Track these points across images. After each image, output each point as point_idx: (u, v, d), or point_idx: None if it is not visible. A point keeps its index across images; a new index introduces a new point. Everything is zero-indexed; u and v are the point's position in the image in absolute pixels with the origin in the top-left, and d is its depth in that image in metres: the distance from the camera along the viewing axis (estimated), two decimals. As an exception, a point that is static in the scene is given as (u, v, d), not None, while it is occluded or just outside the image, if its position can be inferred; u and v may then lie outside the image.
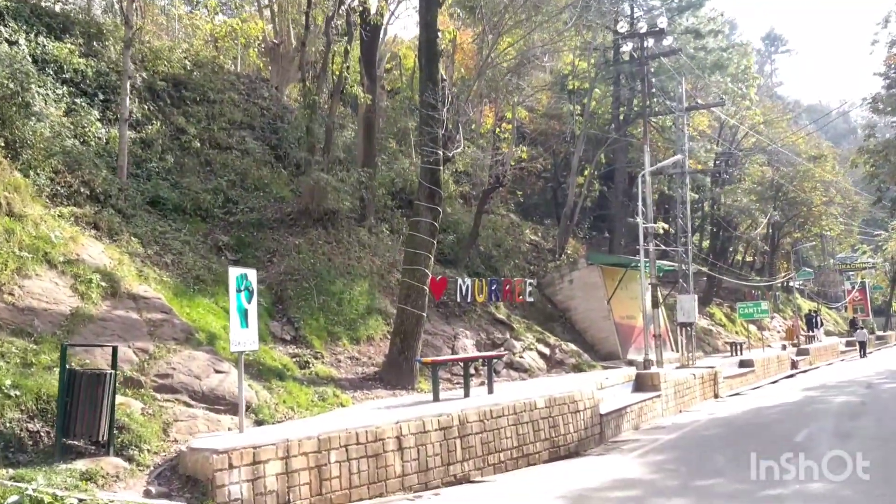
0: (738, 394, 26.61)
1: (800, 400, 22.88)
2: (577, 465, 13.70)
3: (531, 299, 24.11)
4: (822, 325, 49.90)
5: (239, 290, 10.64)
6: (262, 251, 18.90)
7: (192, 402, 11.25)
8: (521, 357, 21.09)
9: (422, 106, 16.20)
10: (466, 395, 14.59)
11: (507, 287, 22.65)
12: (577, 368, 22.14)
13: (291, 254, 18.83)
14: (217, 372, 12.07)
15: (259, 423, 11.68)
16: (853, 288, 62.88)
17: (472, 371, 18.54)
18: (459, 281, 20.83)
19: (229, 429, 10.87)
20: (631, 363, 26.45)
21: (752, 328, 46.21)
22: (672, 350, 29.50)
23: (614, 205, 40.00)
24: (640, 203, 22.22)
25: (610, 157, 40.44)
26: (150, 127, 20.64)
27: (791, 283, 53.71)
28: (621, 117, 37.58)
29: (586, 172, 37.69)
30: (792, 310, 55.52)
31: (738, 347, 34.36)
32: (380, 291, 19.80)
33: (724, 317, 45.99)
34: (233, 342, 10.57)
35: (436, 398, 13.86)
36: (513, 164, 36.98)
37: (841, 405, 20.74)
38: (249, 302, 10.79)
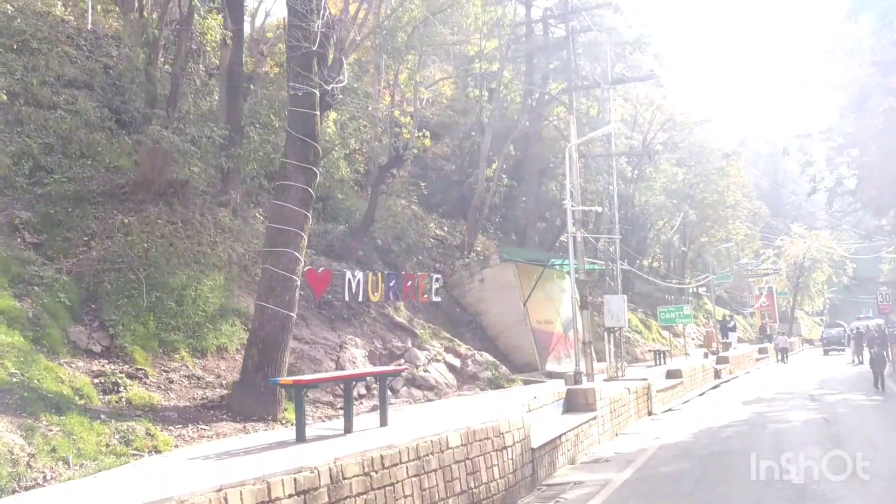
0: (670, 409, 23.18)
1: (749, 418, 19.48)
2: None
3: (438, 299, 19.84)
4: (735, 331, 47.85)
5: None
6: (78, 232, 13.92)
7: None
8: (425, 371, 16.79)
9: (288, 11, 11.60)
10: (348, 429, 10.16)
11: (409, 283, 18.24)
12: (494, 384, 18.01)
13: (116, 235, 13.93)
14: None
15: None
16: (761, 294, 61.57)
17: (362, 391, 14.11)
18: (348, 274, 16.29)
19: None
20: (550, 375, 22.65)
21: (667, 334, 43.54)
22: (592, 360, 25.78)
23: (525, 202, 36.33)
24: (567, 181, 18.35)
25: (519, 152, 36.77)
26: None
27: (700, 289, 51.65)
28: (534, 101, 33.84)
29: (494, 166, 33.87)
30: (704, 316, 53.43)
31: (662, 356, 31.17)
32: (241, 287, 15.14)
33: (639, 323, 43.02)
34: None
35: (300, 437, 9.38)
36: (415, 151, 32.91)
37: (805, 425, 17.39)
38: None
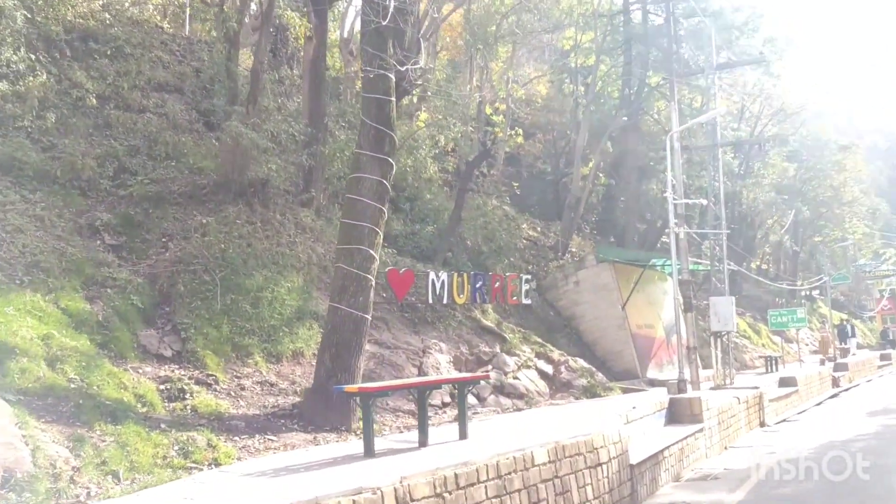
0: (785, 420, 21.31)
1: (879, 431, 17.52)
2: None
3: (528, 301, 18.77)
4: (855, 336, 44.49)
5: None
6: (157, 233, 13.64)
7: None
8: (515, 378, 15.78)
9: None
10: (422, 442, 9.26)
11: (497, 284, 17.25)
12: (590, 392, 16.80)
13: (193, 236, 13.54)
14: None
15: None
16: (882, 296, 57.32)
17: (446, 399, 13.25)
18: (432, 275, 15.45)
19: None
20: (652, 383, 21.23)
21: (778, 340, 40.92)
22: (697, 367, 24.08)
23: (624, 202, 34.75)
24: (668, 172, 16.94)
25: (617, 149, 35.15)
26: (31, 79, 15.50)
27: (814, 292, 48.43)
28: (632, 93, 32.23)
29: (591, 164, 32.49)
30: (819, 320, 50.17)
31: (774, 363, 29.00)
32: (320, 290, 14.50)
33: (748, 327, 40.56)
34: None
35: (368, 451, 8.53)
36: (508, 149, 31.92)
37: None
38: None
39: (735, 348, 34.01)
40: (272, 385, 11.45)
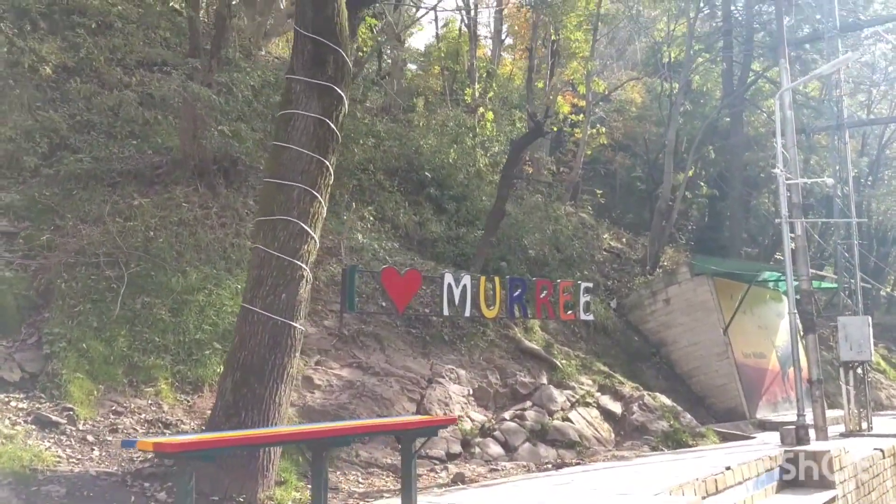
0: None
1: None
2: None
3: (589, 317, 14.34)
4: None
5: None
6: (74, 218, 10.26)
7: None
8: (564, 419, 11.49)
9: None
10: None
11: (544, 294, 12.91)
12: (673, 439, 12.29)
13: (115, 221, 10.09)
14: None
15: None
16: None
17: (453, 448, 9.23)
18: (448, 279, 11.33)
19: None
20: (763, 425, 16.58)
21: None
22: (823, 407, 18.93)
23: (729, 217, 29.77)
24: (777, 139, 12.40)
25: (721, 157, 30.25)
26: None
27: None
28: (735, 79, 27.43)
29: (691, 172, 27.88)
30: (969, 353, 42.91)
31: (921, 403, 23.35)
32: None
33: (881, 360, 34.32)
34: None
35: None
36: (589, 152, 27.64)
37: None
38: None
39: (869, 384, 28.24)
40: (167, 426, 7.71)
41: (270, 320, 7.03)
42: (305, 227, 7.25)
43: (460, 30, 27.46)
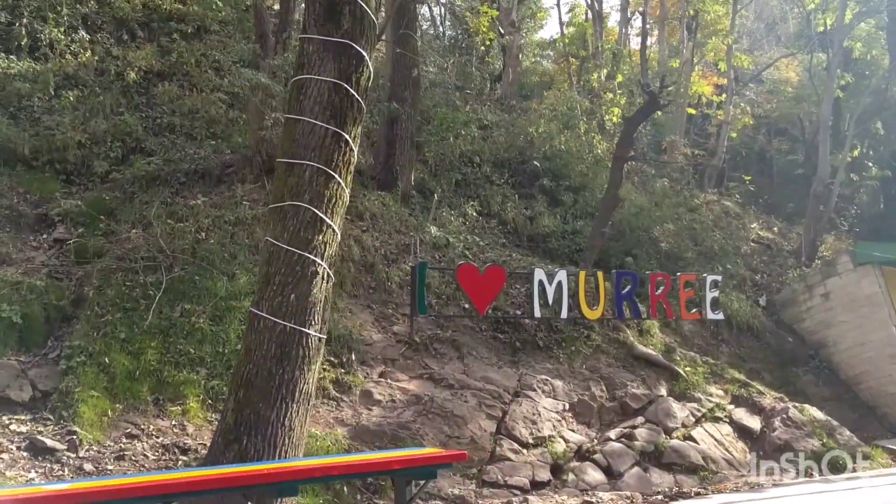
0: None
1: None
2: None
3: (718, 315, 12.24)
4: None
5: None
6: (126, 223, 9.60)
7: None
8: (686, 438, 9.61)
9: None
10: None
11: (660, 290, 10.98)
12: (825, 462, 10.06)
13: (165, 222, 9.31)
14: None
15: None
16: None
17: (542, 477, 7.74)
18: (538, 275, 9.76)
19: None
20: (950, 443, 13.71)
21: None
22: None
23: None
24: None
25: (893, 136, 26.53)
26: (67, 58, 12.80)
27: None
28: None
29: (856, 152, 24.62)
30: None
31: None
32: (355, 297, 9.57)
33: None
34: None
35: None
36: (733, 135, 24.99)
37: None
38: None
39: None
40: (185, 451, 6.67)
41: (277, 326, 5.82)
42: (319, 214, 6.00)
43: (586, 14, 25.88)
